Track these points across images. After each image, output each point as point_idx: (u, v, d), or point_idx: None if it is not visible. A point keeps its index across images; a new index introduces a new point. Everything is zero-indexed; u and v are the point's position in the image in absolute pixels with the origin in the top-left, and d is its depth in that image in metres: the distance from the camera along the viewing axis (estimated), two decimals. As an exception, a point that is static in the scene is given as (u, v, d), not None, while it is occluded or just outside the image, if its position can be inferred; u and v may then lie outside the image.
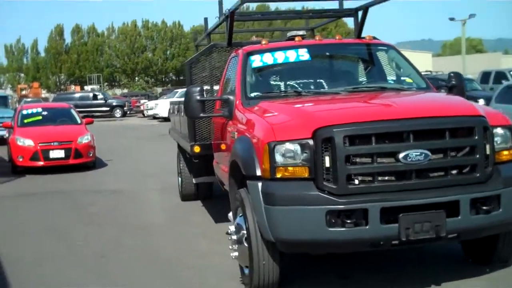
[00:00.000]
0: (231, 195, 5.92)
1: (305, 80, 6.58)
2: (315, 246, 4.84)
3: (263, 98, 6.02)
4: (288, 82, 6.53)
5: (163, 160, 16.41)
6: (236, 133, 5.80)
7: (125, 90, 68.17)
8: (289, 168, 4.76)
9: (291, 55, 6.38)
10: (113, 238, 7.92)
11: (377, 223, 4.57)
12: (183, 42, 74.10)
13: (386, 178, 4.71)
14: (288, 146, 4.76)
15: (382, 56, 6.75)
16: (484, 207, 4.77)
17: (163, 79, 76.86)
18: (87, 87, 59.12)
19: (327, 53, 6.85)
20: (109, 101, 43.50)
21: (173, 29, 75.54)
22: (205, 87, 7.67)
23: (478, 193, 4.75)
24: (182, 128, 8.80)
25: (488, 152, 4.87)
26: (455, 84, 6.48)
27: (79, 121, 15.84)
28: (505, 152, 5.04)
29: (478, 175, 4.82)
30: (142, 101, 45.70)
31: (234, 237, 5.38)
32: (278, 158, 4.76)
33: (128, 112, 43.92)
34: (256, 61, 6.41)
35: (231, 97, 6.14)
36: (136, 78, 74.41)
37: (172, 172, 13.47)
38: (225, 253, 6.79)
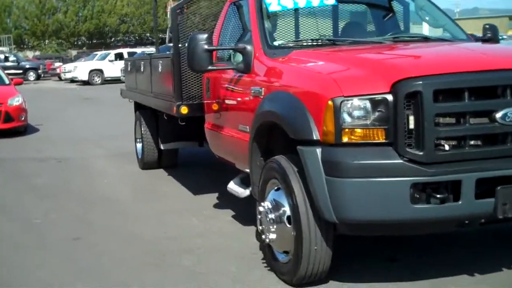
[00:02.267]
0: (253, 164, 4.85)
1: (332, 28, 5.56)
2: (392, 228, 3.87)
3: (291, 47, 4.95)
4: (313, 30, 5.48)
5: (98, 124, 15.15)
6: (263, 89, 4.69)
7: (37, 53, 64.40)
8: (358, 130, 3.75)
9: (314, -1, 5.32)
10: (77, 215, 6.64)
11: (471, 197, 3.66)
12: (98, 5, 70.89)
13: (479, 142, 3.81)
14: (357, 102, 3.73)
15: (410, 4, 5.84)
16: None
17: (76, 42, 73.37)
18: (-5, 49, 55.29)
19: (354, -2, 5.83)
20: (22, 63, 40.62)
21: (85, -10, 71.93)
22: None
23: None
24: (155, 86, 7.59)
25: None
26: (491, 37, 5.69)
27: (7, 81, 14.06)
28: None
29: None
30: (57, 64, 43.18)
31: (271, 215, 4.34)
32: (346, 118, 3.74)
33: (42, 75, 41.30)
34: (273, 4, 5.29)
35: (248, 47, 5.03)
36: (47, 40, 70.67)
37: (113, 137, 12.29)
38: (228, 232, 5.75)
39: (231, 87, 5.38)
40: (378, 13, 5.86)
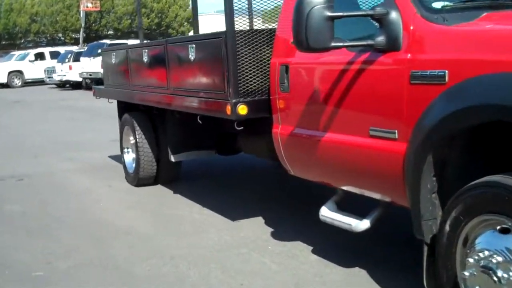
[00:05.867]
0: (422, 188, 3.19)
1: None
2: None
3: (476, 9, 3.37)
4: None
5: (45, 130, 13.09)
6: (446, 72, 3.00)
7: None
8: None
9: None
10: (98, 261, 4.72)
11: None
12: (6, 3, 66.70)
13: None
14: None
15: None
16: None
17: (-17, 42, 68.91)
18: None
19: None
20: None
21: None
22: None
23: None
24: (179, 81, 5.73)
25: None
26: None
27: None
28: None
29: None
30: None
31: (505, 274, 2.71)
32: None
33: (-49, 78, 37.69)
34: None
35: (394, 12, 3.38)
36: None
37: (76, 146, 10.39)
38: (334, 282, 4.03)
39: (356, 72, 3.67)
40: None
